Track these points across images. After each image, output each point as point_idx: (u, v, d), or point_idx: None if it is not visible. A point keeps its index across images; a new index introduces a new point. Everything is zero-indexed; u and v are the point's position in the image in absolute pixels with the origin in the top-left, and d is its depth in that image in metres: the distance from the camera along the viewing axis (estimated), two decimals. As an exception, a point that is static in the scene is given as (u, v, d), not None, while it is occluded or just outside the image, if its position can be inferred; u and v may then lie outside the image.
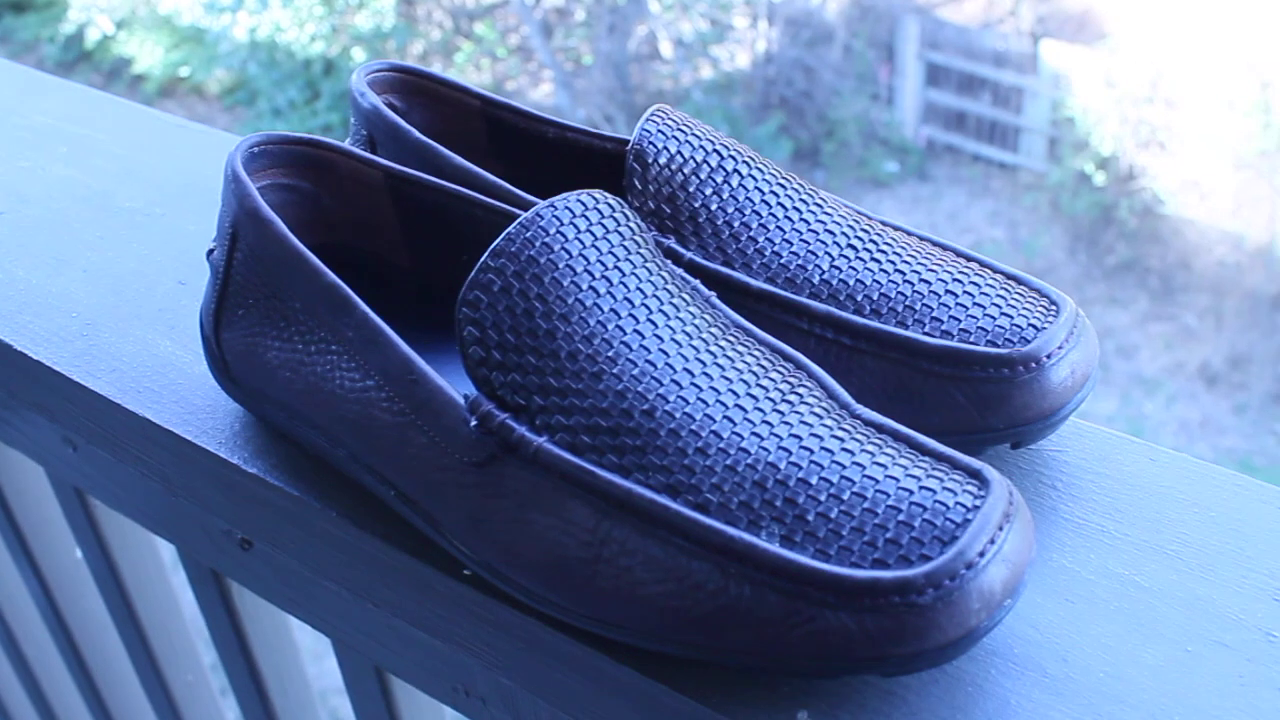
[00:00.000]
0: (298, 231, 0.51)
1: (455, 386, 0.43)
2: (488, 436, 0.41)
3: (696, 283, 0.46)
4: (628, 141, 0.55)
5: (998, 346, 0.46)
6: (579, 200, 0.44)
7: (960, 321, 0.47)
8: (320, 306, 0.46)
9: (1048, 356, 0.46)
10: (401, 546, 0.47)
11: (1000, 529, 0.38)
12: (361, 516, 0.48)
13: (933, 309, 0.48)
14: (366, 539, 0.48)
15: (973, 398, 0.46)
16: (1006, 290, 0.49)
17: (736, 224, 0.49)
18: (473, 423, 0.42)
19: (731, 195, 0.50)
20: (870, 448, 0.41)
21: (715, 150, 0.50)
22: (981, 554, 0.38)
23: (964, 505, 0.39)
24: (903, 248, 0.50)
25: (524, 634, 0.44)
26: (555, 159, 0.57)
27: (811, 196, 0.51)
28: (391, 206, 0.52)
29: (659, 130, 0.49)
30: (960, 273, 0.49)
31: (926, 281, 0.49)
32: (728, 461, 0.40)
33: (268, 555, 0.57)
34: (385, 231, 0.53)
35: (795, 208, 0.50)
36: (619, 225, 0.45)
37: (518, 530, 0.42)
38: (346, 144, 0.53)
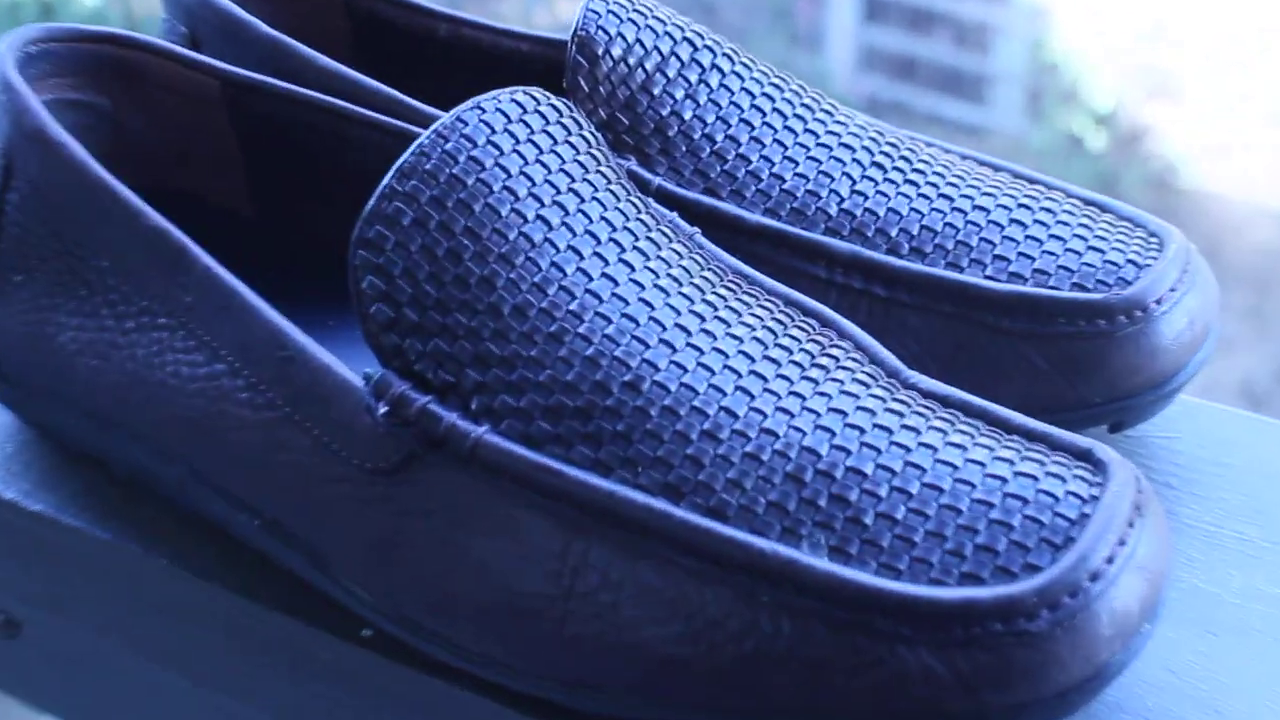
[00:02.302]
0: (95, 167, 0.50)
1: (350, 365, 0.42)
2: (402, 429, 0.40)
3: (673, 216, 0.45)
4: (552, 43, 0.55)
5: (1087, 290, 0.46)
6: (514, 101, 0.43)
7: (1034, 259, 0.47)
8: (141, 263, 0.45)
9: (1157, 302, 0.46)
10: (270, 601, 0.45)
11: (1130, 525, 0.38)
12: (207, 562, 0.46)
13: (995, 243, 0.48)
14: (216, 595, 0.46)
15: (1057, 361, 0.46)
16: (1090, 218, 0.49)
17: (720, 137, 0.49)
18: (380, 411, 0.40)
19: (712, 99, 0.49)
20: (940, 424, 0.40)
21: (686, 39, 0.50)
22: (1110, 560, 0.37)
23: (1078, 496, 0.39)
24: (945, 166, 0.50)
25: (460, 715, 0.42)
26: (450, 68, 0.56)
27: (818, 101, 0.51)
28: (231, 129, 0.51)
29: (610, 11, 0.49)
30: (1026, 196, 0.49)
31: (983, 208, 0.48)
32: (748, 448, 0.39)
33: (47, 642, 0.54)
34: (222, 165, 0.52)
35: (798, 114, 0.50)
36: (570, 134, 0.44)
37: (448, 561, 0.40)
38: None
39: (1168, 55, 2.98)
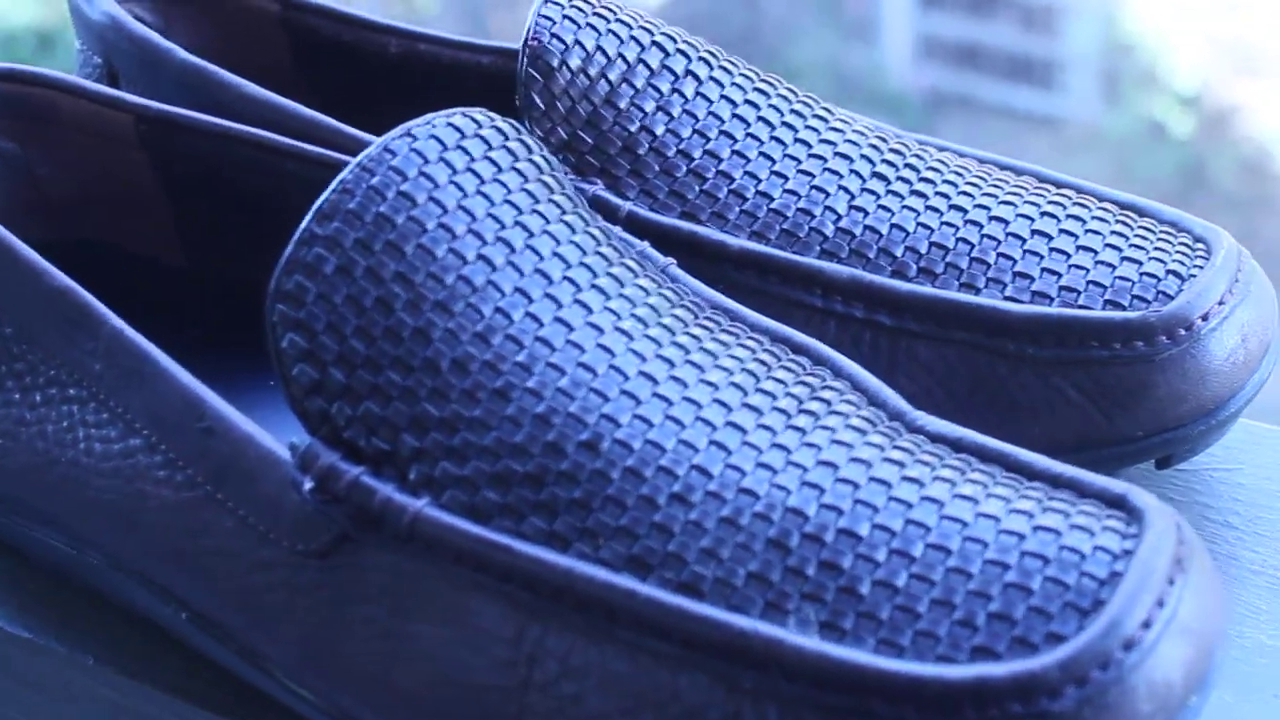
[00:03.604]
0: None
1: (278, 435, 0.41)
2: (332, 506, 0.39)
3: (644, 245, 0.44)
4: (515, 53, 0.53)
5: (1123, 308, 0.45)
6: (451, 126, 0.42)
7: (1060, 275, 0.46)
8: (46, 327, 0.44)
9: (1203, 318, 0.45)
10: (206, 702, 0.44)
11: (1170, 583, 0.36)
12: (136, 660, 0.45)
13: (1015, 259, 0.47)
14: (148, 697, 0.45)
15: (1091, 391, 0.45)
16: (1126, 224, 0.48)
17: (698, 153, 0.48)
18: (307, 486, 0.39)
19: (687, 110, 0.49)
20: (948, 473, 0.39)
21: (656, 43, 0.49)
22: (1146, 624, 0.35)
23: (1108, 551, 0.37)
24: (957, 172, 0.49)
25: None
26: (403, 89, 0.56)
27: (809, 107, 0.50)
28: (152, 170, 0.51)
29: (565, 17, 0.48)
30: (1051, 203, 0.48)
31: (1001, 219, 0.47)
32: (724, 512, 0.38)
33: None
34: (145, 211, 0.51)
35: (786, 123, 0.49)
36: (517, 160, 0.43)
37: (391, 654, 0.39)
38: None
39: (1255, 27, 2.95)
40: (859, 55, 3.38)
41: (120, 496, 0.43)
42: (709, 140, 0.48)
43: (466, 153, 0.42)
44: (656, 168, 0.48)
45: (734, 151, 0.48)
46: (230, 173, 0.49)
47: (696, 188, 0.48)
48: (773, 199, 0.47)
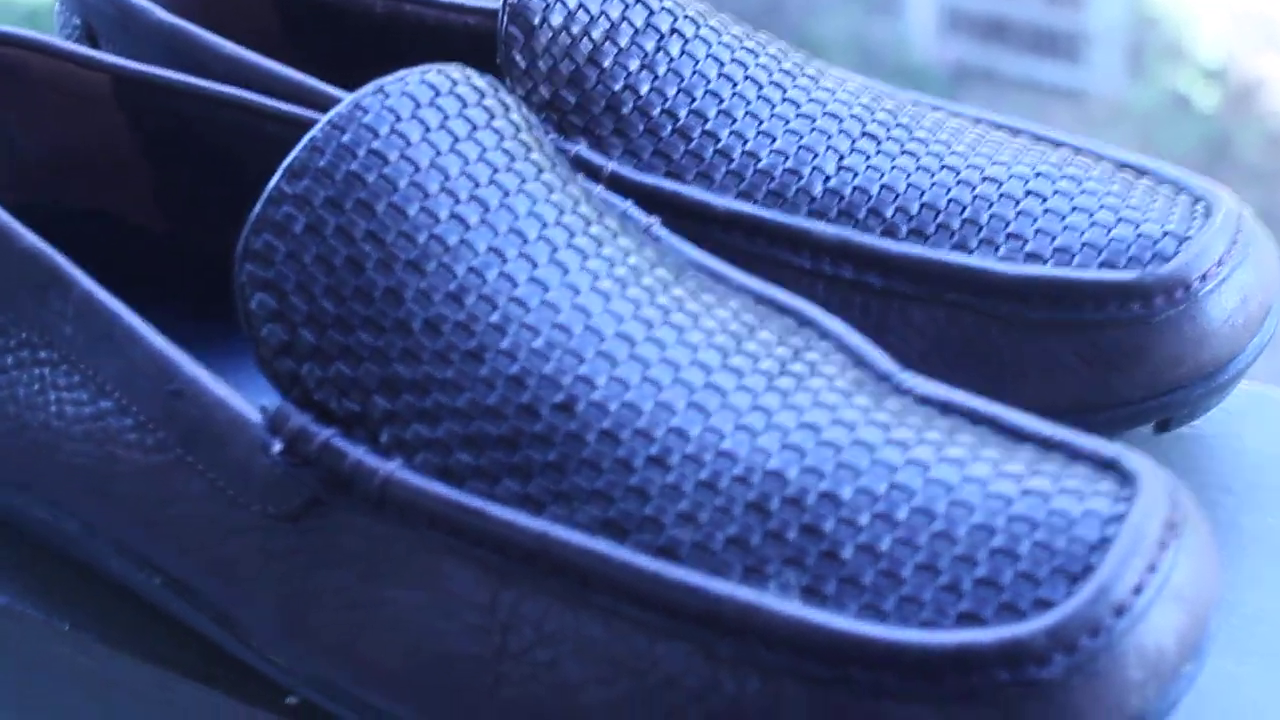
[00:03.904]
0: (-26, 184, 0.50)
1: (253, 398, 0.41)
2: (302, 469, 0.39)
3: (627, 205, 0.44)
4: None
5: (1119, 269, 0.45)
6: (425, 83, 0.41)
7: (1054, 236, 0.46)
8: (16, 289, 0.44)
9: (1202, 278, 0.44)
10: (184, 669, 0.44)
11: (1163, 547, 0.36)
12: (113, 629, 0.45)
13: (1008, 219, 0.46)
14: (125, 665, 0.45)
15: (1086, 354, 0.45)
16: (1123, 184, 0.47)
17: (683, 113, 0.48)
18: (276, 448, 0.39)
19: (672, 69, 0.48)
20: (935, 436, 0.38)
21: (640, 0, 0.48)
22: (1137, 590, 0.35)
23: (1098, 514, 0.36)
24: (951, 133, 0.48)
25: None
26: (389, 50, 0.55)
27: (799, 66, 0.50)
28: (129, 133, 0.50)
29: None
30: (1046, 162, 0.48)
31: (994, 179, 0.47)
32: (702, 475, 0.37)
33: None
34: (123, 175, 0.51)
35: (775, 82, 0.48)
36: (494, 118, 0.42)
37: (363, 620, 0.39)
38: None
39: (1280, 1, 2.94)
40: (884, 28, 3.38)
41: (92, 461, 0.43)
42: (695, 99, 0.48)
43: (441, 110, 0.41)
44: (641, 127, 0.47)
45: (720, 111, 0.48)
46: (211, 135, 0.49)
47: (682, 147, 0.47)
48: (759, 159, 0.47)
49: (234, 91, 0.48)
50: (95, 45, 0.52)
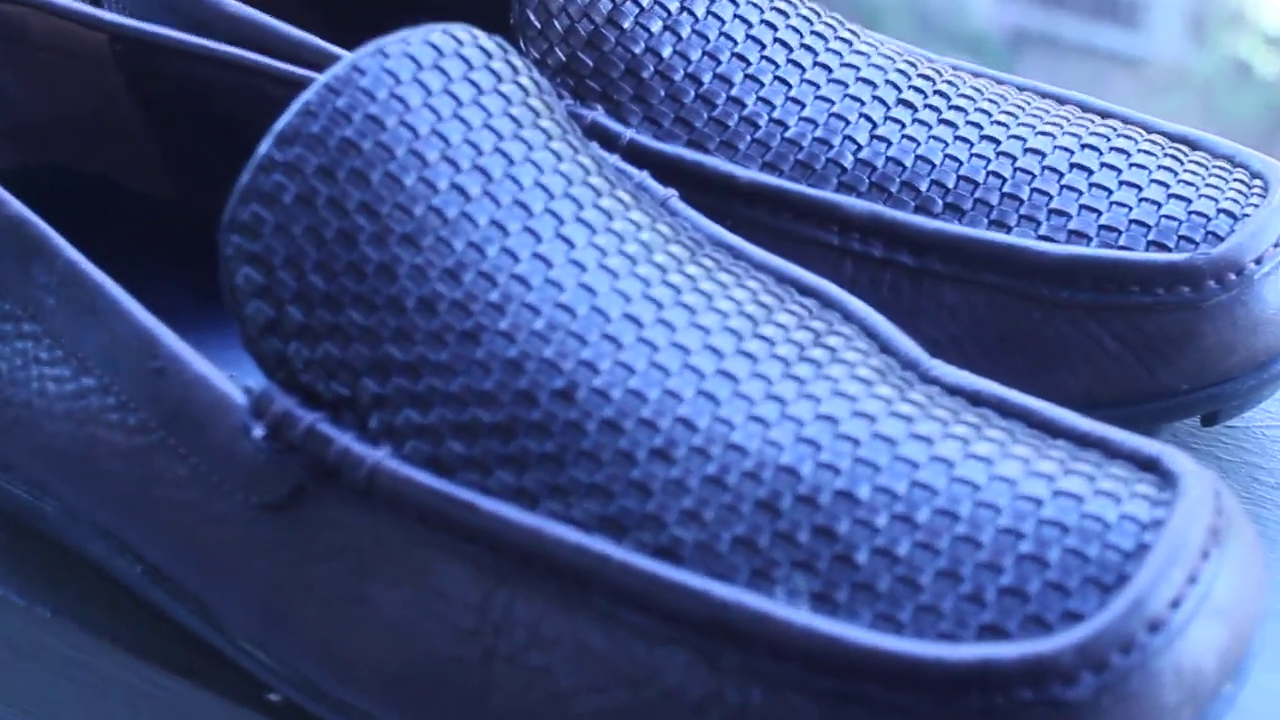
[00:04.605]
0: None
1: (249, 377, 0.40)
2: (287, 455, 0.38)
3: (643, 176, 0.42)
4: None
5: (1168, 249, 0.44)
6: (428, 44, 0.40)
7: (1100, 213, 0.45)
8: (0, 257, 0.43)
9: (1256, 262, 0.43)
10: (165, 661, 0.43)
11: (1205, 557, 0.35)
12: (94, 618, 0.45)
13: (1051, 195, 0.45)
14: (104, 653, 0.44)
15: (1132, 340, 0.44)
16: (1175, 158, 0.46)
17: (707, 77, 0.47)
18: (258, 433, 0.38)
19: (696, 31, 0.47)
20: (962, 430, 0.37)
21: None
22: (1175, 604, 0.34)
23: (1135, 519, 0.35)
24: (991, 101, 0.48)
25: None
26: (407, 5, 0.52)
27: (832, 28, 0.49)
28: (128, 94, 0.49)
29: None
30: (1093, 135, 0.47)
31: (1037, 151, 0.46)
32: (708, 470, 0.36)
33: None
34: (121, 138, 0.50)
35: (806, 45, 0.48)
36: (501, 82, 0.40)
37: (348, 618, 0.38)
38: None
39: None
40: (940, -7, 3.36)
41: (73, 441, 0.42)
42: (720, 63, 0.47)
43: (444, 73, 0.40)
44: (662, 92, 0.47)
45: (747, 76, 0.47)
46: (213, 98, 0.48)
47: (705, 114, 0.46)
48: (787, 127, 0.46)
49: (237, 52, 0.48)
50: (98, 3, 0.52)
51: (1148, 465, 0.37)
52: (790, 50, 0.47)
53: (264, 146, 0.38)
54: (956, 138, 0.46)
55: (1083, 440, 0.38)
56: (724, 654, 0.34)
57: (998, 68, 0.52)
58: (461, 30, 0.41)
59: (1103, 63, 3.13)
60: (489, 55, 0.41)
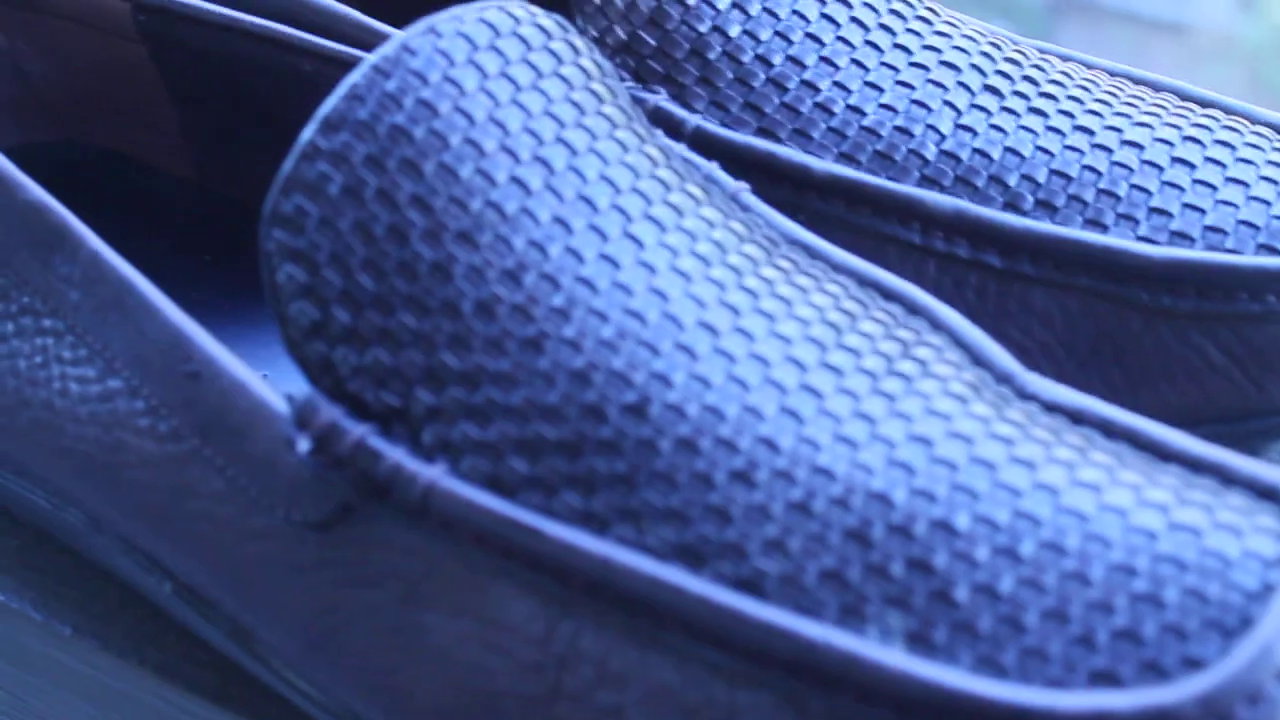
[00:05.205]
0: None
1: (283, 376, 0.40)
2: (334, 470, 0.37)
3: (712, 167, 0.42)
4: None
5: (1278, 252, 0.43)
6: (483, 22, 0.39)
7: (1205, 213, 0.44)
8: (18, 247, 0.43)
9: None
10: (196, 687, 0.43)
11: None
12: (120, 634, 0.44)
13: (1151, 192, 0.44)
14: (129, 676, 0.44)
15: (1239, 352, 0.43)
16: None
17: (778, 59, 0.46)
18: (303, 446, 0.37)
19: (766, 9, 0.47)
20: (1064, 454, 0.36)
21: None
22: None
23: (1259, 555, 0.34)
24: (1083, 87, 0.47)
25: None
26: None
27: (910, 6, 0.49)
28: (151, 68, 0.48)
29: None
30: (1195, 126, 0.46)
31: (1135, 144, 0.45)
32: (793, 495, 0.35)
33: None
34: (144, 114, 0.50)
35: (884, 25, 0.47)
36: (562, 64, 0.40)
37: (400, 648, 0.37)
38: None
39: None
40: (974, -45, 3.36)
41: (98, 447, 0.41)
42: (792, 44, 0.46)
43: (501, 54, 0.39)
44: (730, 75, 0.46)
45: (821, 58, 0.46)
46: (240, 73, 0.48)
47: (776, 99, 0.46)
48: (865, 115, 0.45)
49: (266, 24, 0.47)
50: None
51: (1268, 494, 0.36)
52: (867, 30, 0.47)
53: (308, 132, 0.38)
54: (1047, 128, 0.45)
55: (1196, 465, 0.37)
56: (810, 698, 0.33)
57: (1036, 35, 0.51)
58: (518, 7, 0.40)
59: (1145, 30, 3.13)
60: (548, 35, 0.40)
